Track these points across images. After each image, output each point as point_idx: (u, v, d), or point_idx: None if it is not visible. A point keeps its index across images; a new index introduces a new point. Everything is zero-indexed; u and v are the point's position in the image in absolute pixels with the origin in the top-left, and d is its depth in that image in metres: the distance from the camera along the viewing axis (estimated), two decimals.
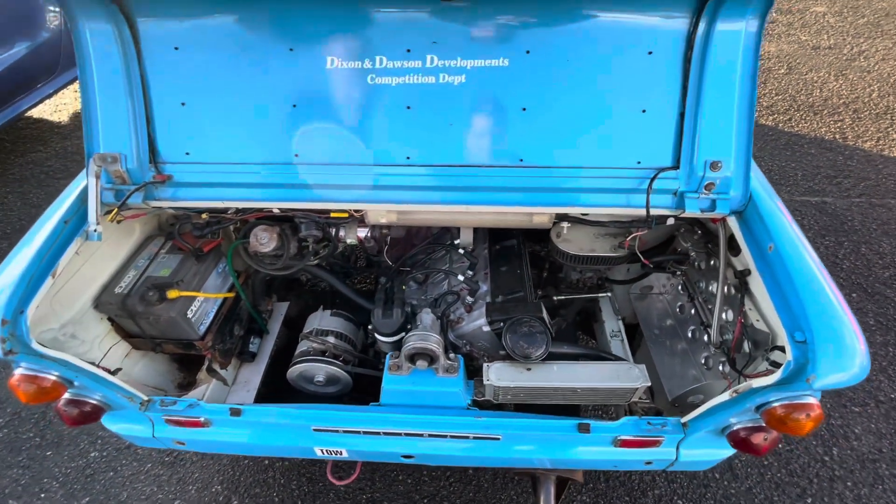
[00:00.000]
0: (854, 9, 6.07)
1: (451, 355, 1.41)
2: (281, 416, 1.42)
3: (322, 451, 1.46)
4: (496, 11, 1.21)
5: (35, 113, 4.29)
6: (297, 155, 1.33)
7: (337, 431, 1.41)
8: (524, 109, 1.28)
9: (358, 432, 1.40)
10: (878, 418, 2.12)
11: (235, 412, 1.42)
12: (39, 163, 3.84)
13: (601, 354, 1.44)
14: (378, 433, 1.40)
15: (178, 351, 1.60)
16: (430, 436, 1.39)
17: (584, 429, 1.34)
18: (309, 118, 1.31)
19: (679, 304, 1.72)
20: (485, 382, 1.34)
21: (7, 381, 1.21)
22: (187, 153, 1.35)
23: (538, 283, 1.80)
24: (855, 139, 3.92)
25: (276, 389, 1.78)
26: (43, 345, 1.17)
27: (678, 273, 1.64)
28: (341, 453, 1.47)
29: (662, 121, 1.26)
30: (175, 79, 1.30)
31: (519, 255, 1.68)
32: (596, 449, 1.39)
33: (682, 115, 1.25)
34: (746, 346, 1.28)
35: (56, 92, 3.88)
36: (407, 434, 1.39)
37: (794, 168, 3.65)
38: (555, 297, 1.71)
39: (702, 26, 1.18)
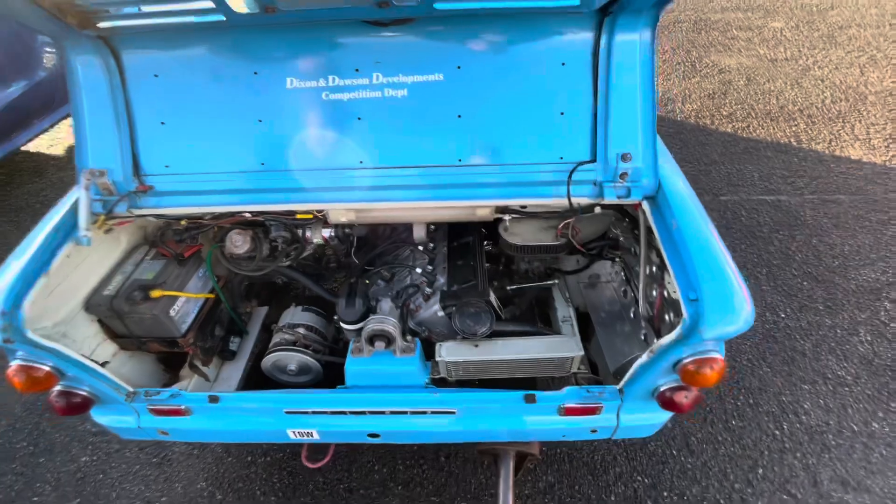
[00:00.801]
0: (809, 23, 6.45)
1: (409, 337, 1.56)
2: (255, 400, 1.55)
3: (295, 433, 1.59)
4: (429, 35, 1.41)
5: (31, 146, 4.50)
6: (263, 164, 1.51)
7: (307, 413, 1.55)
8: (459, 116, 1.47)
9: (326, 412, 1.54)
10: (826, 394, 2.25)
11: (213, 399, 1.55)
12: (35, 193, 4.02)
13: (542, 331, 1.59)
14: (345, 412, 1.53)
15: (162, 349, 1.74)
16: (392, 413, 1.52)
17: (530, 399, 1.48)
18: (272, 131, 1.50)
19: (623, 289, 1.88)
20: (437, 359, 1.49)
21: (4, 376, 1.35)
22: (167, 166, 1.53)
23: (494, 276, 1.96)
24: (808, 142, 4.16)
25: (257, 385, 1.90)
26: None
27: (616, 259, 1.80)
28: (312, 434, 1.59)
29: (578, 121, 1.45)
30: (155, 102, 1.49)
31: (473, 251, 1.85)
32: (543, 418, 1.53)
33: (594, 115, 1.45)
34: (670, 317, 1.44)
35: (52, 126, 4.10)
36: (371, 412, 1.53)
37: (752, 170, 3.87)
38: (508, 288, 1.87)
39: (603, 39, 1.38)
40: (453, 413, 1.52)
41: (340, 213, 1.57)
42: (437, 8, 1.19)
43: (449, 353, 1.48)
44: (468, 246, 1.90)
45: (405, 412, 1.52)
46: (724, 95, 4.95)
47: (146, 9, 1.17)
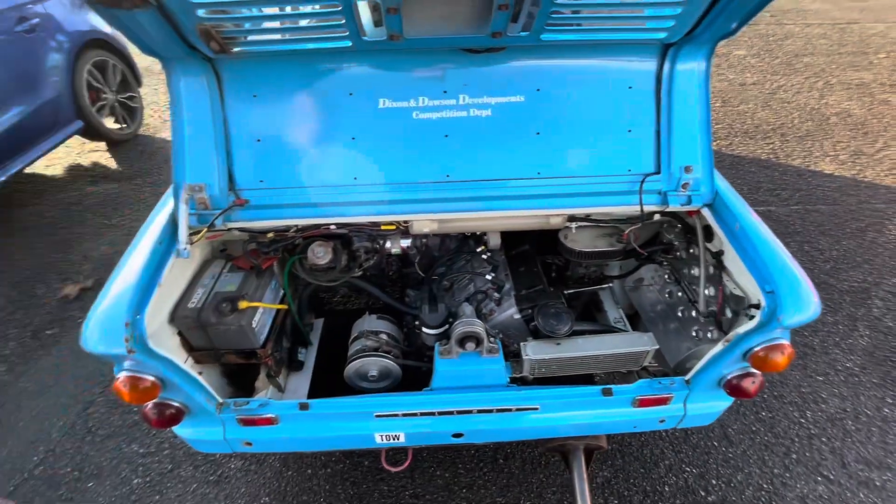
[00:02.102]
0: (768, 51, 7.08)
1: (492, 338, 1.66)
2: (346, 406, 1.60)
3: (381, 437, 1.64)
4: (511, 60, 1.56)
5: (28, 168, 4.36)
6: (355, 178, 1.60)
7: (396, 416, 1.61)
8: (538, 133, 1.62)
9: (415, 414, 1.60)
10: (839, 384, 2.47)
11: (304, 406, 1.59)
12: (39, 214, 3.90)
13: (614, 328, 1.72)
14: (433, 413, 1.60)
15: (238, 361, 1.77)
16: (479, 411, 1.61)
17: (607, 393, 1.60)
18: (365, 147, 1.60)
19: (668, 290, 2.04)
20: (523, 357, 1.59)
21: (113, 386, 1.36)
22: (261, 181, 1.59)
23: (548, 283, 2.09)
24: (785, 158, 4.56)
25: (321, 397, 1.94)
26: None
27: (664, 263, 1.97)
28: (399, 437, 1.65)
29: (643, 137, 1.63)
30: (252, 120, 1.57)
31: (532, 258, 1.98)
32: (618, 411, 1.64)
33: (658, 133, 1.62)
34: (728, 312, 1.61)
35: (53, 148, 4.02)
36: (458, 412, 1.61)
37: (740, 184, 4.21)
38: (564, 292, 2.00)
39: (666, 67, 1.57)
40: (536, 409, 1.62)
41: (424, 223, 1.67)
42: (543, 39, 1.34)
43: (535, 351, 1.59)
44: (526, 254, 2.03)
45: (491, 410, 1.61)
46: None
47: (278, 36, 1.26)
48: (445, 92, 1.58)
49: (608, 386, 1.61)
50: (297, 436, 1.63)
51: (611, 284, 2.04)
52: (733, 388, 1.55)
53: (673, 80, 1.57)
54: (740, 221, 1.50)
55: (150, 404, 1.47)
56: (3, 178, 3.55)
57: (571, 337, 1.64)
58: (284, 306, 1.84)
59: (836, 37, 7.52)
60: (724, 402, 1.68)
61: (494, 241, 1.88)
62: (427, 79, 1.57)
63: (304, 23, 1.23)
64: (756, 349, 1.42)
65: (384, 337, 1.78)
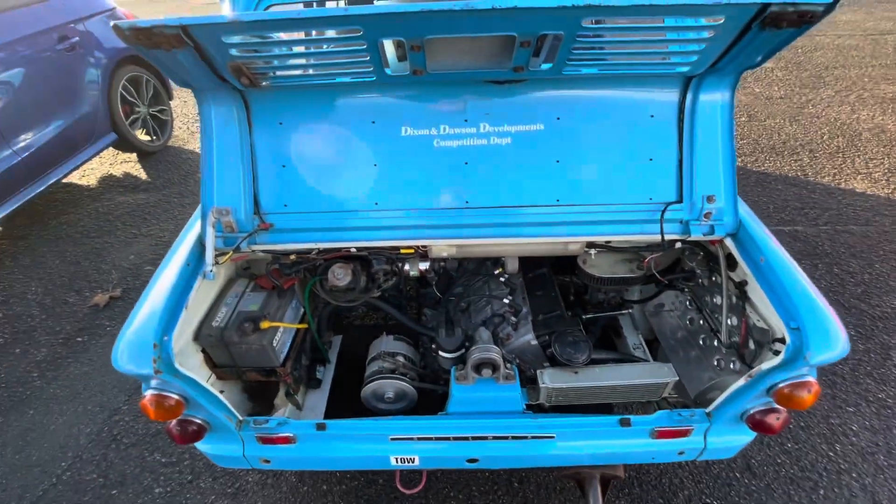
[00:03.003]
0: (797, 64, 6.93)
1: (508, 365, 1.66)
2: (362, 427, 1.62)
3: (396, 459, 1.65)
4: (532, 90, 1.58)
5: (64, 178, 4.57)
6: (376, 203, 1.63)
7: (412, 439, 1.61)
8: (558, 161, 1.62)
9: (430, 439, 1.61)
10: (871, 416, 2.38)
11: (321, 426, 1.61)
12: (73, 223, 4.07)
13: (633, 357, 1.70)
14: (448, 438, 1.61)
15: (259, 378, 1.81)
16: (494, 438, 1.60)
17: (625, 423, 1.58)
18: (387, 174, 1.63)
19: (689, 317, 2.01)
20: (540, 385, 1.58)
21: (140, 403, 1.41)
22: (285, 205, 1.64)
23: (566, 306, 2.08)
24: (814, 175, 4.44)
25: (337, 414, 1.96)
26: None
27: (685, 290, 1.94)
28: (414, 461, 1.66)
29: (666, 166, 1.62)
30: (278, 147, 1.62)
31: (550, 282, 1.98)
32: (636, 441, 1.62)
33: (680, 162, 1.61)
34: (751, 344, 1.57)
35: (89, 159, 4.20)
36: (473, 438, 1.61)
37: (766, 202, 4.11)
38: (583, 317, 1.98)
39: (689, 98, 1.56)
40: (552, 438, 1.61)
41: (443, 248, 1.69)
42: (565, 73, 1.36)
43: (552, 379, 1.58)
44: (543, 277, 2.03)
45: (507, 437, 1.60)
46: None
47: (310, 71, 1.31)
48: (466, 120, 1.60)
49: (626, 416, 1.58)
50: (314, 455, 1.66)
51: (630, 310, 2.02)
52: (756, 424, 1.51)
53: (696, 111, 1.56)
54: (765, 253, 1.47)
55: (174, 421, 1.52)
56: (42, 188, 3.73)
57: (589, 365, 1.63)
58: (304, 325, 1.88)
59: (869, 48, 7.31)
60: (746, 437, 1.64)
61: (512, 265, 1.89)
62: (449, 108, 1.60)
63: (329, 59, 1.27)
64: (781, 385, 1.39)
65: (401, 359, 1.80)
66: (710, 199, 1.58)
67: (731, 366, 1.69)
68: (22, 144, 3.58)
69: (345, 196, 1.64)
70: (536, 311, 1.84)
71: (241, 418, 1.61)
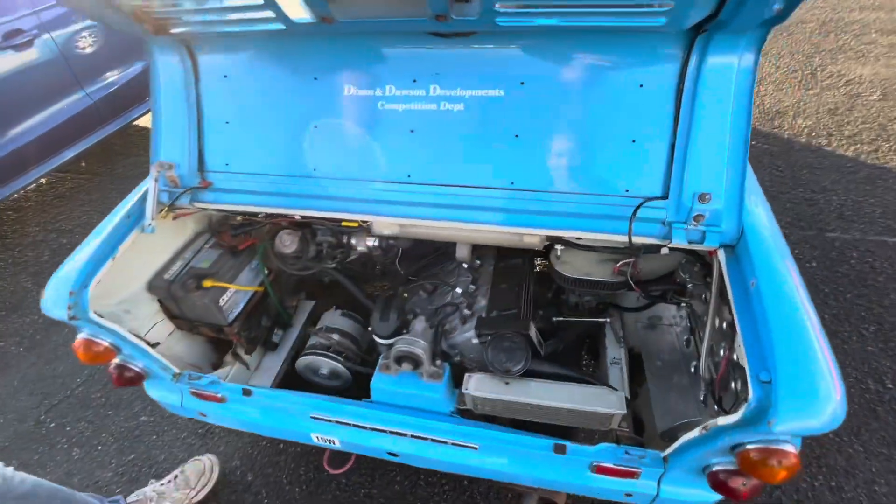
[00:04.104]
0: None
1: (438, 362, 1.49)
2: (283, 399, 1.58)
3: (317, 437, 1.60)
4: (493, 46, 1.31)
5: (142, 122, 5.02)
6: (314, 169, 1.51)
7: (330, 421, 1.55)
8: (517, 136, 1.36)
9: (348, 424, 1.53)
10: None
11: (247, 392, 1.60)
12: (140, 165, 4.48)
13: (584, 378, 1.45)
14: (366, 428, 1.51)
15: (210, 334, 1.84)
16: (413, 437, 1.48)
17: (559, 449, 1.35)
18: (326, 137, 1.49)
19: (686, 337, 1.67)
20: (464, 391, 1.41)
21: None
22: (227, 164, 1.58)
23: (541, 302, 1.83)
24: None
25: (295, 378, 1.96)
26: (101, 315, 1.44)
27: (683, 305, 1.60)
28: (334, 442, 1.59)
29: (652, 151, 1.28)
30: (222, 101, 1.54)
31: (520, 275, 1.73)
32: (572, 472, 1.40)
33: (672, 146, 1.26)
34: (733, 385, 1.24)
35: None
36: (392, 432, 1.49)
37: (873, 204, 3.30)
38: (554, 319, 1.73)
39: (693, 61, 1.19)
40: (475, 448, 1.44)
41: (384, 225, 1.53)
42: (500, 25, 1.09)
43: (477, 386, 1.40)
44: (517, 268, 1.79)
45: (426, 438, 1.47)
46: (850, 111, 4.26)
47: (211, 18, 1.19)
48: (415, 81, 1.39)
49: (562, 442, 1.36)
50: (241, 418, 1.67)
51: (607, 320, 1.72)
52: (718, 485, 1.21)
53: (701, 79, 1.19)
54: (758, 277, 1.12)
55: (112, 364, 1.60)
56: (120, 126, 4.09)
57: (525, 378, 1.41)
58: (253, 288, 1.85)
59: None
60: (711, 494, 1.33)
61: (462, 253, 1.68)
62: (395, 64, 1.39)
63: (227, 4, 1.14)
64: (747, 447, 1.08)
65: (336, 338, 1.71)
66: (703, 197, 1.23)
67: (717, 406, 1.37)
68: (101, 85, 3.93)
69: (283, 159, 1.53)
70: (493, 307, 1.63)
71: (176, 371, 1.65)
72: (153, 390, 1.74)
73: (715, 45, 1.15)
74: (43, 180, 4.28)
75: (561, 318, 1.73)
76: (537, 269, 1.86)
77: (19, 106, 3.60)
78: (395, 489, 2.00)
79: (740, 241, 1.23)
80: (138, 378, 1.64)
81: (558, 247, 1.52)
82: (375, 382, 1.50)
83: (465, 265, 1.76)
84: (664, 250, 1.38)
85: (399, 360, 1.45)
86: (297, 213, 1.60)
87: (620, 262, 1.45)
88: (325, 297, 2.30)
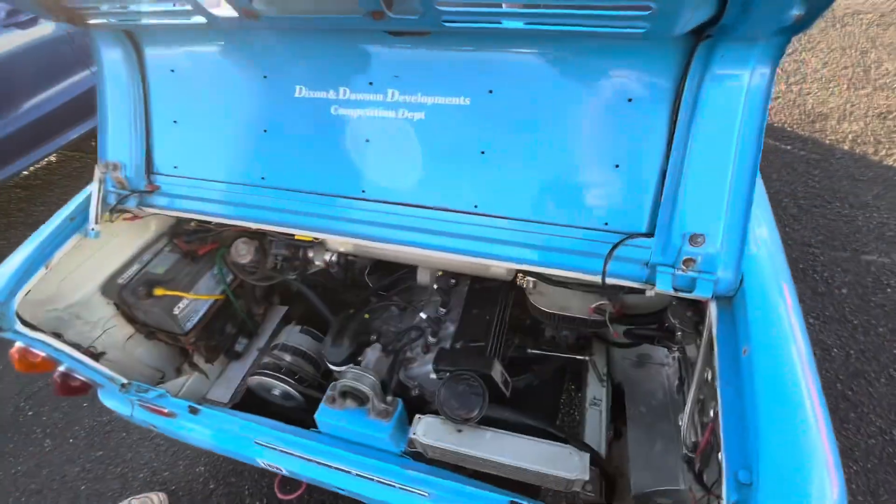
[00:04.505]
0: None
1: (389, 399, 1.35)
2: (228, 423, 1.48)
3: (264, 463, 1.50)
4: (458, 47, 1.12)
5: None
6: (263, 178, 1.37)
7: (275, 449, 1.44)
8: (482, 152, 1.18)
9: (293, 454, 1.41)
10: None
11: (193, 410, 1.51)
12: None
13: (549, 430, 1.28)
14: (311, 460, 1.40)
15: (168, 340, 1.75)
16: (358, 475, 1.35)
17: None
18: (276, 143, 1.34)
19: (678, 379, 1.47)
20: (411, 435, 1.27)
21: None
22: (175, 167, 1.46)
23: (516, 328, 1.65)
24: None
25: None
26: (34, 326, 1.35)
27: (672, 349, 1.40)
28: (281, 469, 1.49)
29: (638, 179, 1.08)
30: (170, 98, 1.41)
31: (495, 300, 1.56)
32: None
33: (662, 174, 1.06)
34: (715, 458, 1.05)
35: None
36: (336, 468, 1.37)
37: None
38: (529, 350, 1.56)
39: (693, 72, 0.98)
40: (424, 496, 1.30)
41: (338, 243, 1.38)
42: (446, 25, 0.90)
43: (426, 431, 1.25)
44: (493, 291, 1.61)
45: (371, 479, 1.34)
46: None
47: (123, 9, 1.05)
48: (371, 84, 1.22)
49: (517, 500, 1.21)
50: (189, 435, 1.58)
51: (587, 358, 1.53)
52: None
53: (702, 95, 0.98)
54: (752, 344, 0.92)
55: (56, 373, 1.53)
56: None
57: (480, 427, 1.25)
58: (212, 296, 1.74)
59: None
60: None
61: (423, 277, 1.51)
62: (350, 65, 1.22)
63: None
64: None
65: (288, 358, 1.59)
66: (694, 239, 1.02)
67: (696, 480, 1.18)
68: None
69: (231, 165, 1.39)
70: (460, 336, 1.47)
71: (124, 382, 1.57)
72: (106, 399, 1.67)
73: (720, 55, 0.93)
74: (52, 158, 4.31)
75: (537, 352, 1.56)
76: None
77: (26, 84, 3.59)
78: None
79: (738, 294, 1.03)
80: (84, 388, 1.57)
81: (530, 278, 1.34)
82: (320, 415, 1.37)
83: (435, 286, 1.60)
84: (649, 292, 1.18)
85: (344, 394, 1.31)
86: (247, 225, 1.46)
87: (595, 304, 1.26)
88: (299, 303, 2.19)
